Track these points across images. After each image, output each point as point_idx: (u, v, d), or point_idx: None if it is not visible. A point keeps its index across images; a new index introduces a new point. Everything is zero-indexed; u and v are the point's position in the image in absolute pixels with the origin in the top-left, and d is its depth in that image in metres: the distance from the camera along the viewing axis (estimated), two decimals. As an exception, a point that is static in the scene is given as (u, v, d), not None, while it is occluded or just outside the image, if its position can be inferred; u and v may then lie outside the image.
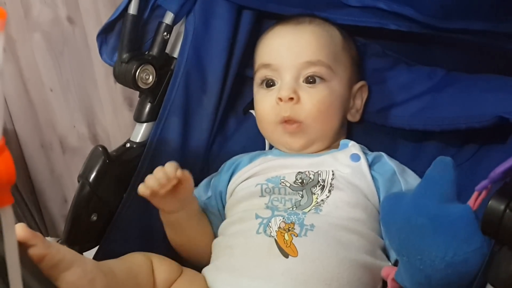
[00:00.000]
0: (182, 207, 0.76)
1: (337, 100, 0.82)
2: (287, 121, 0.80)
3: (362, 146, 0.82)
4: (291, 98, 0.79)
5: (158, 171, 0.73)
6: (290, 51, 0.81)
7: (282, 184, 0.78)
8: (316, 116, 0.80)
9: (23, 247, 0.53)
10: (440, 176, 0.57)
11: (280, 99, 0.79)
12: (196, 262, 0.79)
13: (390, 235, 0.61)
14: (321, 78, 0.80)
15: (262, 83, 0.84)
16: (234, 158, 0.88)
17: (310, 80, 0.80)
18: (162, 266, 0.71)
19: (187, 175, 0.74)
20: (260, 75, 0.84)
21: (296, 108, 0.79)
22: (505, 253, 0.49)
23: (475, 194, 0.53)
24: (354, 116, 0.86)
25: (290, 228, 0.70)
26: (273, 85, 0.82)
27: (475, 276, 0.52)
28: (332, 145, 0.84)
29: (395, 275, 0.61)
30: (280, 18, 0.87)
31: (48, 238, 0.62)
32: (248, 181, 0.81)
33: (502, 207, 0.47)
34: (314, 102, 0.79)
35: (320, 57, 0.80)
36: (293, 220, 0.71)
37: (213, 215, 0.84)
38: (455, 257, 0.52)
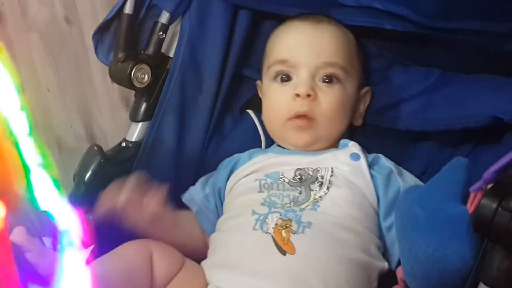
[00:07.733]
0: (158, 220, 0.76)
1: (350, 103, 0.82)
2: (298, 116, 0.80)
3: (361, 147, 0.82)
4: (309, 95, 0.78)
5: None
6: (309, 50, 0.81)
7: (280, 179, 0.77)
8: (330, 116, 0.80)
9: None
10: (450, 176, 0.58)
11: (297, 95, 0.79)
12: (193, 257, 0.78)
13: (395, 220, 0.63)
14: (338, 79, 0.80)
15: (276, 77, 0.83)
16: (232, 156, 0.87)
17: (327, 80, 0.80)
18: (162, 260, 0.71)
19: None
20: (275, 69, 0.83)
21: (313, 105, 0.79)
22: (498, 251, 0.49)
23: (472, 195, 0.54)
24: (357, 120, 0.86)
25: (287, 225, 0.70)
26: (288, 80, 0.82)
27: (458, 280, 0.53)
28: (332, 145, 0.84)
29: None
30: (278, 18, 0.87)
31: (45, 238, 0.62)
32: (248, 177, 0.81)
33: (494, 205, 0.48)
34: (331, 101, 0.79)
35: (338, 59, 0.80)
36: (290, 217, 0.71)
37: (210, 212, 0.83)
38: (435, 252, 0.53)
